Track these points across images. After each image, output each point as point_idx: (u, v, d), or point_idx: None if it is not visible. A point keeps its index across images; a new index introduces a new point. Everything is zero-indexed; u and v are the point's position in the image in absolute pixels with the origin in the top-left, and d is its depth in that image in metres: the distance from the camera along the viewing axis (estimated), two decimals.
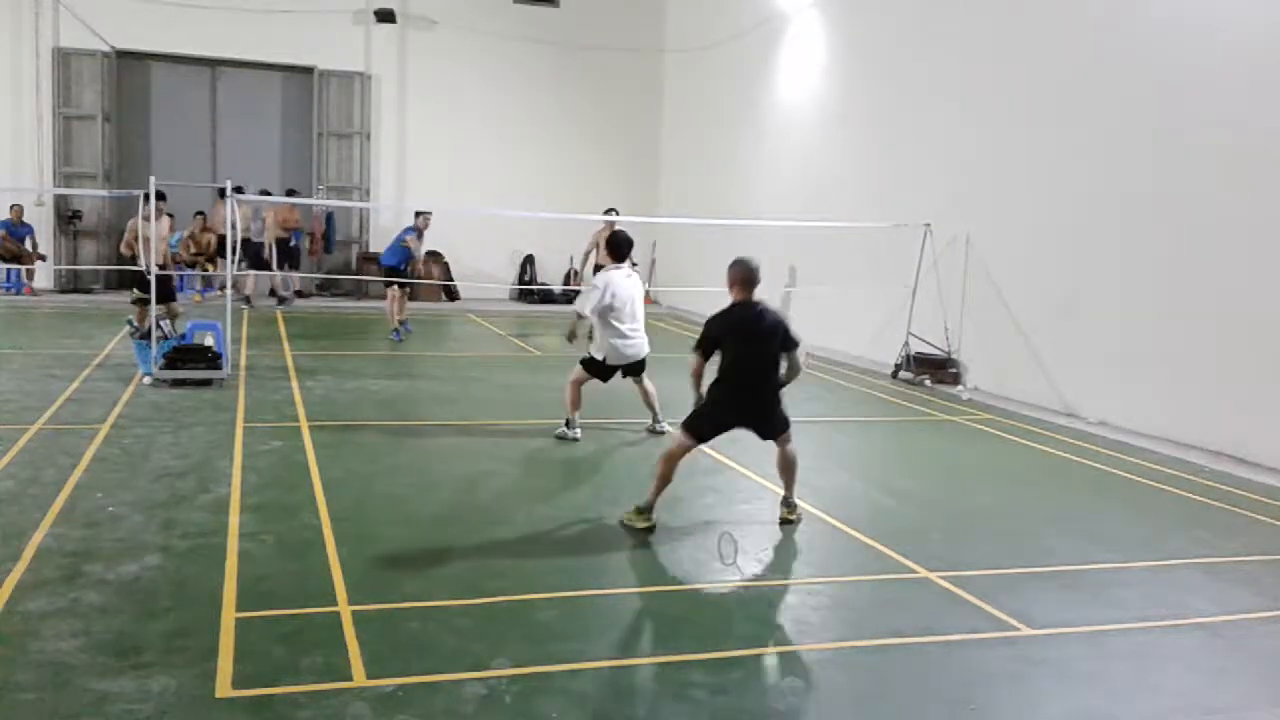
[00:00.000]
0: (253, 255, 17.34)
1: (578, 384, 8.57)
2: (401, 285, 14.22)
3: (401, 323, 14.20)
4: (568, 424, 8.58)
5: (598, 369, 8.57)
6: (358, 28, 19.53)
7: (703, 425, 6.36)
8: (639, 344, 8.60)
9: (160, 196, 10.83)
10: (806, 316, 15.56)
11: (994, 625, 4.96)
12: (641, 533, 6.13)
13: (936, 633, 4.83)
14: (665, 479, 6.29)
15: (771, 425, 6.50)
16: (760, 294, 6.49)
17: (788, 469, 6.60)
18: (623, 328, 8.44)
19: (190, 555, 5.38)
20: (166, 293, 11.06)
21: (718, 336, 6.30)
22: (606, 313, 8.39)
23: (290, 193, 18.26)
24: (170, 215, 17.49)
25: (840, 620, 5.05)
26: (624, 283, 8.50)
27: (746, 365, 6.31)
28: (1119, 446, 9.21)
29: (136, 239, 10.87)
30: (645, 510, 6.26)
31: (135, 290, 11.18)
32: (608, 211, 14.79)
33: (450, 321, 17.14)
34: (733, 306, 6.40)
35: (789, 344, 6.32)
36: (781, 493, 6.66)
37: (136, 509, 6.08)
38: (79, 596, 4.74)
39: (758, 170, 17.42)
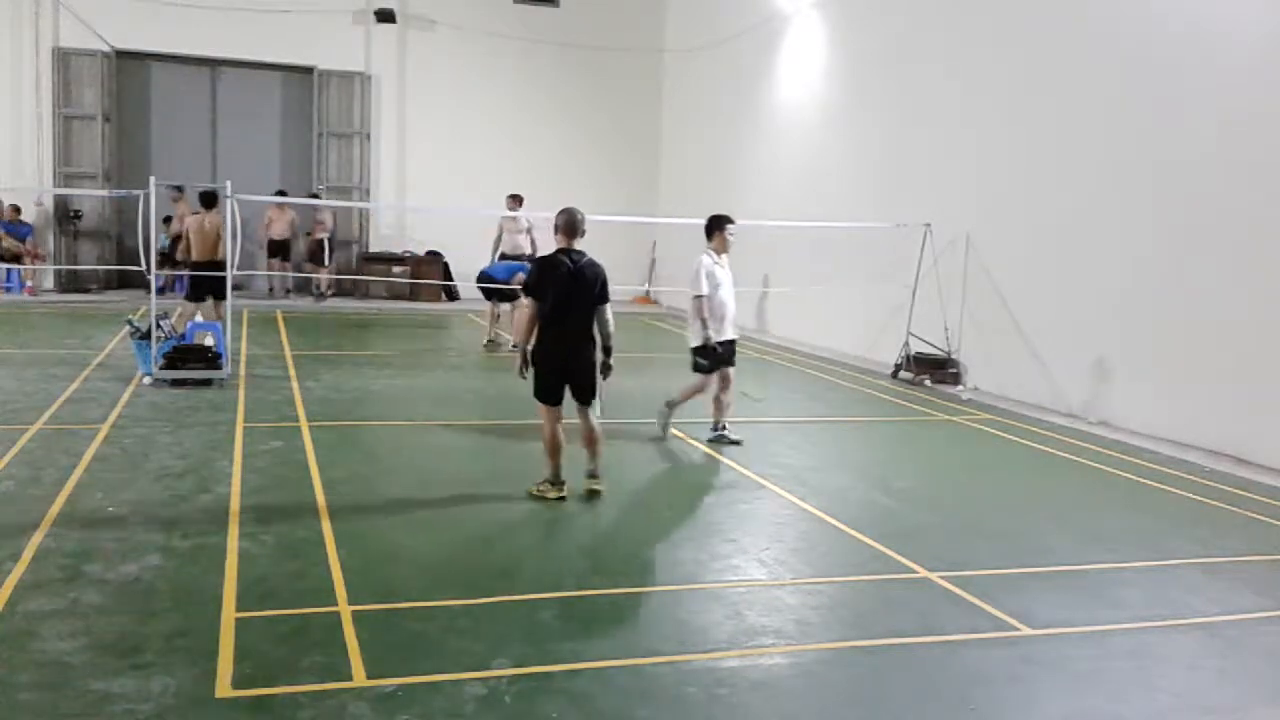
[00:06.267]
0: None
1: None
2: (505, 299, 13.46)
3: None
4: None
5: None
6: (358, 28, 19.54)
7: (539, 389, 6.58)
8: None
9: (213, 196, 11.32)
10: (807, 316, 15.60)
11: (994, 625, 4.96)
12: (556, 503, 6.56)
13: (936, 633, 4.83)
14: (555, 452, 6.66)
15: (586, 388, 6.63)
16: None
17: (592, 441, 6.77)
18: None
19: (190, 555, 5.38)
20: (217, 289, 11.16)
21: (539, 280, 6.42)
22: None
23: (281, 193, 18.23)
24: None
25: (840, 620, 5.05)
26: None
27: (564, 316, 6.42)
28: (1119, 446, 9.21)
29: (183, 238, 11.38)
30: (552, 481, 6.67)
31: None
32: (515, 198, 14.40)
33: (451, 322, 17.13)
34: (556, 252, 6.52)
35: (602, 298, 6.50)
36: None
37: (136, 509, 6.08)
38: (79, 596, 4.74)
39: (757, 170, 17.41)
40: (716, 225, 8.54)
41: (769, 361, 13.81)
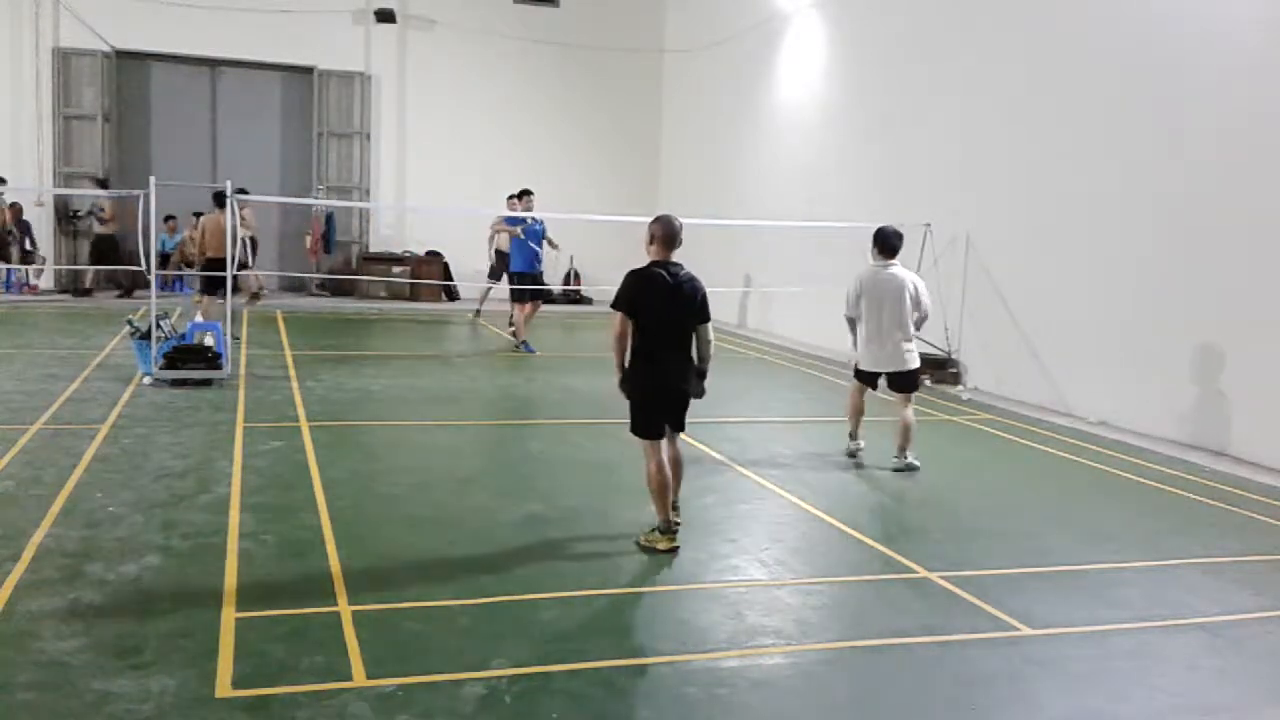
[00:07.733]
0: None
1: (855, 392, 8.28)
2: (534, 295, 13.42)
3: (522, 342, 13.60)
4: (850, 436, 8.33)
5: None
6: (358, 28, 19.55)
7: (638, 422, 5.89)
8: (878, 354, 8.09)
9: (221, 196, 11.60)
10: (806, 316, 15.60)
11: (994, 625, 4.96)
12: (667, 553, 5.74)
13: (936, 633, 4.83)
14: (663, 491, 5.85)
15: (680, 414, 5.95)
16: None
17: (676, 468, 5.99)
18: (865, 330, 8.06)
19: (190, 555, 5.38)
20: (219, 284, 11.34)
21: (635, 296, 5.74)
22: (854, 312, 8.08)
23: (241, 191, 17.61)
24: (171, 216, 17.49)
25: (840, 620, 5.05)
26: (872, 278, 8.06)
27: (660, 336, 5.77)
28: (1119, 446, 9.21)
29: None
30: (662, 530, 5.83)
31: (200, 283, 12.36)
32: (522, 195, 13.78)
33: (450, 322, 17.14)
34: (651, 265, 5.83)
35: (702, 316, 5.84)
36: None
37: (136, 509, 6.08)
38: (79, 596, 4.74)
39: (757, 170, 17.42)
40: (902, 241, 8.23)
41: (768, 361, 13.81)
